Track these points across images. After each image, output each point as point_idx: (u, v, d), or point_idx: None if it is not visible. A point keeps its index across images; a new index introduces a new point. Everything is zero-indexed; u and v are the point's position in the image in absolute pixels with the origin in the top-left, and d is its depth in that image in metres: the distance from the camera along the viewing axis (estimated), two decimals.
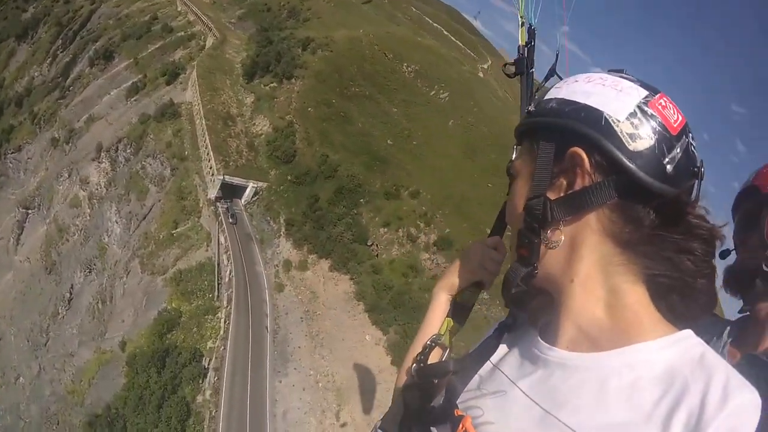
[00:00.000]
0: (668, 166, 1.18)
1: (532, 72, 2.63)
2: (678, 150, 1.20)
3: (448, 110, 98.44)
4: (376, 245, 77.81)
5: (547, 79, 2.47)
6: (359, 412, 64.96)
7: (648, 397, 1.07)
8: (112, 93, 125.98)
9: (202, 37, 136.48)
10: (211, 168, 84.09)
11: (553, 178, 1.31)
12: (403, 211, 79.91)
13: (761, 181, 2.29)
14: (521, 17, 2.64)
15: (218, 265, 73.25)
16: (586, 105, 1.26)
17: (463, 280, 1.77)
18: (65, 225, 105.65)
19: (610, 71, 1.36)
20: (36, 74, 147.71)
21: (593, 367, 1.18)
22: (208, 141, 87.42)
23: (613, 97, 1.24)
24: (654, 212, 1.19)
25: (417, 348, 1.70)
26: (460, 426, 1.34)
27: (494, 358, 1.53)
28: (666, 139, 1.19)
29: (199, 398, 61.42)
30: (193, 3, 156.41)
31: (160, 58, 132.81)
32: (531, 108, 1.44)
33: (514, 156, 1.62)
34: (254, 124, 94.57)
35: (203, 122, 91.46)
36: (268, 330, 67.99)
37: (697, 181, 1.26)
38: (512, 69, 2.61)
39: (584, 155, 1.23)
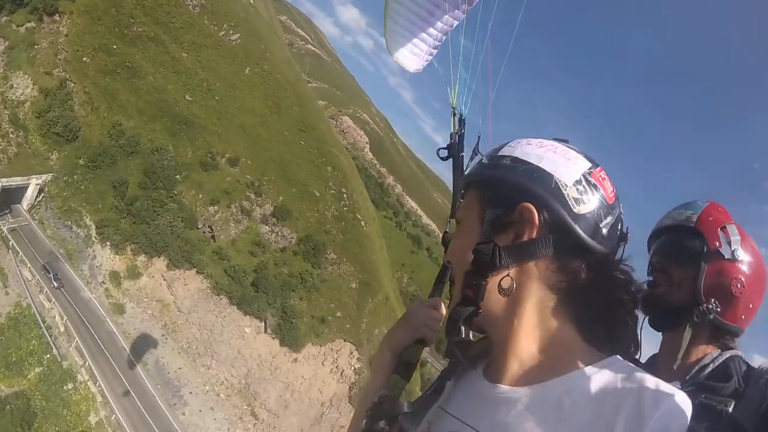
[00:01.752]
0: (603, 230, 1.51)
1: (462, 156, 3.32)
2: (611, 217, 1.54)
3: (241, 56, 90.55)
4: (209, 227, 74.92)
5: (471, 158, 3.24)
6: (270, 400, 68.33)
7: (588, 415, 1.28)
8: None
9: None
10: None
11: (502, 227, 1.56)
12: (227, 183, 76.76)
13: (706, 229, 2.63)
14: (453, 107, 3.24)
15: (37, 310, 60.46)
16: (538, 167, 1.55)
17: (405, 338, 2.05)
18: None
19: (556, 139, 1.68)
20: None
21: (537, 398, 1.41)
22: None
23: (562, 164, 1.55)
24: (587, 267, 1.51)
25: (365, 403, 1.97)
26: None
27: (441, 402, 1.79)
28: (604, 207, 1.52)
29: None
30: None
31: None
32: (485, 161, 1.71)
33: (459, 201, 2.09)
34: (11, 86, 74.32)
35: None
36: (137, 366, 62.18)
37: (623, 243, 1.59)
38: (445, 153, 3.33)
39: (534, 211, 1.50)
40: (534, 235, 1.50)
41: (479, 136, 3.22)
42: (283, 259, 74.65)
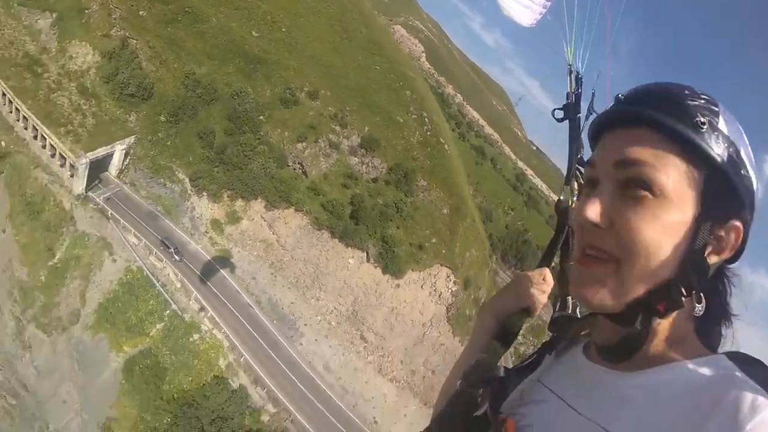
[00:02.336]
0: None
1: (579, 117, 3.02)
2: None
3: None
4: (300, 164, 74.00)
5: (587, 117, 2.93)
6: (377, 324, 70.60)
7: (683, 407, 1.26)
8: None
9: None
10: (56, 150, 65.18)
11: (708, 238, 1.41)
12: (310, 117, 74.73)
13: None
14: (569, 65, 3.00)
15: (149, 271, 61.84)
16: (751, 179, 1.43)
17: (510, 305, 2.10)
18: None
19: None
20: None
21: (636, 383, 1.41)
22: (26, 111, 66.33)
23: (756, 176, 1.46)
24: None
25: (461, 364, 2.06)
26: (504, 429, 1.71)
27: (538, 374, 1.84)
28: None
29: (265, 418, 57.97)
30: None
31: None
32: (700, 116, 1.40)
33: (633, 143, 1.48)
34: (70, 57, 72.39)
35: (3, 85, 68.04)
36: (252, 306, 64.84)
37: None
38: (561, 114, 3.08)
39: (741, 234, 1.42)
40: (726, 255, 1.47)
41: (593, 93, 3.10)
42: (376, 190, 73.31)
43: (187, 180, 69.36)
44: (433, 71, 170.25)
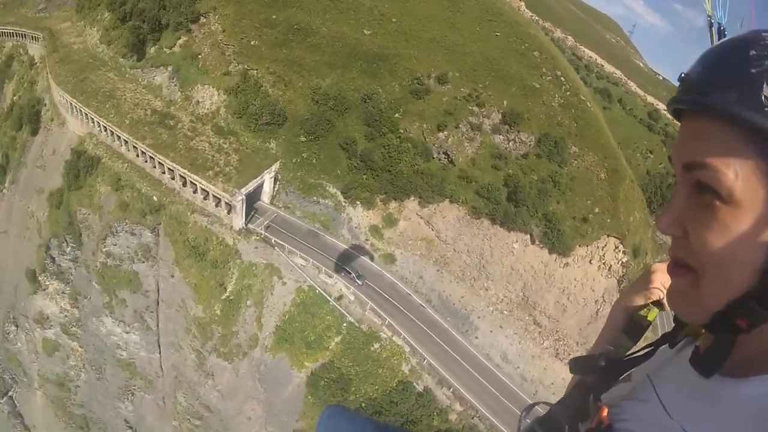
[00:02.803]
0: None
1: None
2: None
3: None
4: (445, 153, 71.02)
5: None
6: (549, 307, 67.72)
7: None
8: None
9: (20, 50, 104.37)
10: (209, 193, 65.17)
11: None
12: (445, 103, 71.50)
13: None
14: (709, 16, 2.46)
15: (321, 289, 62.18)
16: None
17: (640, 298, 2.06)
18: (61, 377, 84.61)
19: None
20: None
21: (727, 392, 1.35)
22: (170, 164, 66.71)
23: None
24: None
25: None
26: (599, 413, 1.79)
27: (648, 367, 1.83)
28: None
29: (452, 417, 58.17)
30: None
31: None
32: None
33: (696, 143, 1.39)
34: (197, 102, 72.62)
35: (141, 146, 69.24)
36: (424, 306, 64.06)
37: None
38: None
39: None
40: None
41: None
42: (528, 166, 68.86)
43: (338, 193, 67.76)
44: (537, 18, 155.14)
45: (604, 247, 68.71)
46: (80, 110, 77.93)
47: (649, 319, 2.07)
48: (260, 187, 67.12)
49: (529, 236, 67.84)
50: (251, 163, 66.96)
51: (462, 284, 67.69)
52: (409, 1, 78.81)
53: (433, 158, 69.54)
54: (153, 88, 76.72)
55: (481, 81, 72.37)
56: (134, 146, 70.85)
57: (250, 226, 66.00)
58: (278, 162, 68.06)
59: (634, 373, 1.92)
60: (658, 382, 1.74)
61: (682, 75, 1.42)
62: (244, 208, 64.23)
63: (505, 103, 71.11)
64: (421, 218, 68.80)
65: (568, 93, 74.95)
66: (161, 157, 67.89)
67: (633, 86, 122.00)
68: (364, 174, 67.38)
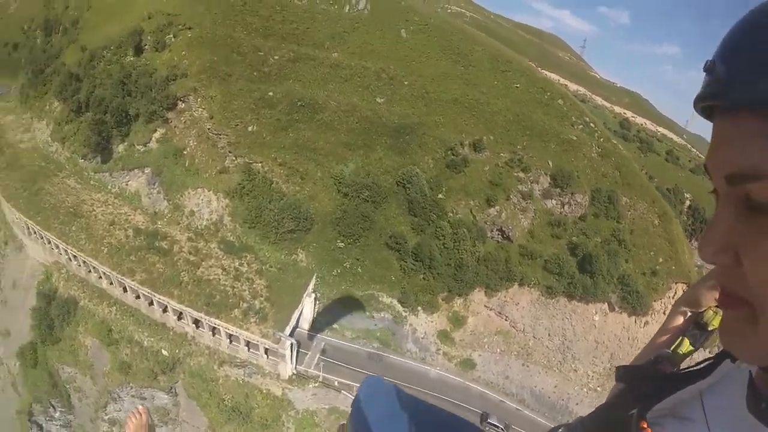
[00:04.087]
0: None
1: None
2: None
3: (382, 21, 57.63)
4: (499, 230, 49.40)
5: None
6: None
7: None
8: None
9: None
10: (240, 337, 39.71)
11: None
12: (487, 173, 49.47)
13: None
14: None
15: None
16: None
17: (706, 299, 1.43)
18: None
19: None
20: None
21: None
22: (177, 306, 40.50)
23: None
24: None
25: (642, 357, 1.51)
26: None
27: (702, 384, 1.28)
28: None
29: None
30: None
31: None
32: None
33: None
34: (192, 213, 45.91)
35: (131, 284, 41.81)
36: (519, 408, 44.43)
37: None
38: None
39: None
40: None
41: None
42: (589, 228, 48.77)
43: (395, 302, 44.33)
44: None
45: (674, 296, 50.60)
46: (40, 234, 49.57)
47: (714, 323, 1.39)
48: (298, 314, 42.35)
49: (607, 304, 48.55)
50: (284, 286, 41.87)
51: (551, 372, 47.80)
52: (415, 60, 55.21)
53: (490, 238, 47.69)
54: (128, 197, 49.21)
55: (518, 141, 50.75)
56: (120, 281, 43.97)
57: (299, 367, 41.47)
58: (314, 277, 43.54)
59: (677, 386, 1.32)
60: (710, 403, 1.20)
61: (709, 62, 0.87)
62: (292, 354, 39.82)
63: (550, 163, 50.10)
64: (491, 309, 47.07)
65: (602, 140, 54.90)
66: (165, 299, 41.64)
67: (599, 100, 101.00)
68: (422, 274, 44.39)
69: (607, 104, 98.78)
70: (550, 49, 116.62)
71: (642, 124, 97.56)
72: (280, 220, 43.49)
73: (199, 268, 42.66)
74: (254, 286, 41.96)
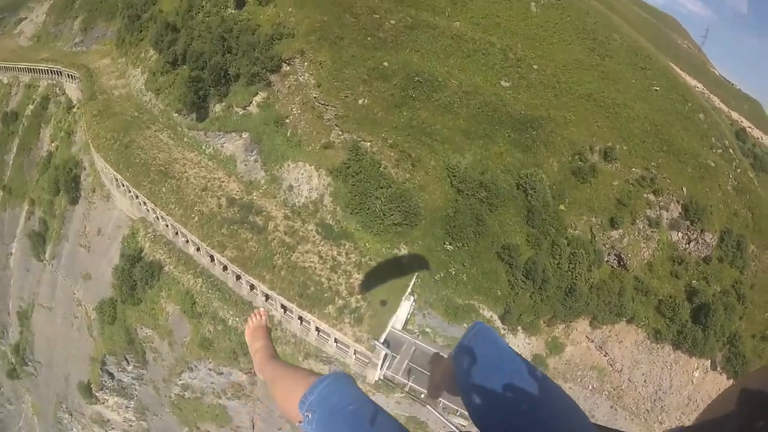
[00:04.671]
0: None
1: None
2: None
3: None
4: (616, 256, 40.10)
5: None
6: None
7: None
8: (13, 253, 68.42)
9: (57, 90, 66.41)
10: (326, 333, 32.97)
11: None
12: (616, 188, 39.00)
13: None
14: None
15: None
16: None
17: None
18: None
19: None
20: None
21: None
22: (271, 293, 33.68)
23: None
24: None
25: (745, 391, 1.26)
26: None
27: None
28: None
29: None
30: (14, 60, 76.63)
31: (29, 161, 67.38)
32: None
33: None
34: (290, 187, 37.73)
35: (221, 258, 35.09)
36: None
37: None
38: None
39: None
40: None
41: None
42: (711, 273, 38.36)
43: (495, 317, 35.93)
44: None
45: None
46: (128, 188, 43.29)
47: None
48: (391, 314, 34.83)
49: (710, 361, 39.90)
50: (381, 289, 34.28)
51: (636, 420, 38.94)
52: (546, 40, 44.25)
53: (606, 263, 38.30)
54: (223, 160, 41.79)
55: (653, 157, 39.94)
56: (208, 252, 37.34)
57: (387, 372, 34.29)
58: (414, 276, 35.62)
59: None
60: None
61: None
62: (382, 356, 32.57)
63: (684, 190, 39.38)
64: (592, 342, 38.31)
65: (738, 170, 43.37)
66: (254, 281, 34.81)
67: (716, 101, 77.63)
68: (530, 293, 35.70)
69: (725, 108, 77.45)
70: (669, 33, 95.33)
71: (759, 138, 78.39)
72: (386, 210, 35.27)
73: (294, 252, 35.28)
74: (351, 280, 34.39)
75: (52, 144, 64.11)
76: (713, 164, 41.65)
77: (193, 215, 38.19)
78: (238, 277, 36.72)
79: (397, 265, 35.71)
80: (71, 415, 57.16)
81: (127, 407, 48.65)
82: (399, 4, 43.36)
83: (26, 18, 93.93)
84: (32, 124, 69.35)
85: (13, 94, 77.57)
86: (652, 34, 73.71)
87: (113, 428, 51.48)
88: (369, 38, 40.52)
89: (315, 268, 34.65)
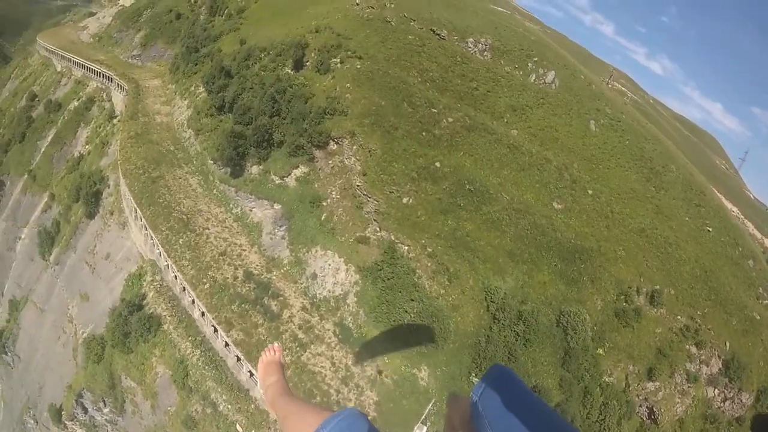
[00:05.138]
0: None
1: None
2: None
3: (569, 102, 41.69)
4: (649, 408, 34.71)
5: None
6: None
7: None
8: (22, 238, 63.07)
9: (104, 95, 62.51)
10: None
11: None
12: (658, 336, 33.97)
13: None
14: None
15: None
16: None
17: None
18: None
19: None
20: None
21: None
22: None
23: None
24: None
25: None
26: None
27: None
28: None
29: None
30: (72, 52, 72.37)
31: (59, 155, 62.68)
32: None
33: None
34: (314, 276, 31.86)
35: (224, 336, 29.18)
36: None
37: None
38: None
39: None
40: None
41: None
42: None
43: None
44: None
45: None
46: (146, 227, 38.08)
47: None
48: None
49: None
50: (396, 410, 28.42)
51: None
52: (602, 163, 39.52)
53: (636, 414, 32.73)
54: (249, 226, 36.53)
55: (699, 306, 34.77)
56: (213, 325, 31.87)
57: None
58: (431, 403, 29.84)
59: None
60: None
61: None
62: None
63: (727, 345, 34.14)
64: None
65: None
66: (256, 372, 29.29)
67: (751, 227, 64.86)
68: None
69: (758, 234, 67.01)
70: (708, 152, 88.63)
71: None
72: (416, 326, 29.84)
73: (305, 352, 29.69)
74: (362, 398, 28.69)
75: (86, 146, 59.34)
76: (758, 317, 36.43)
77: (205, 280, 32.79)
78: (239, 359, 31.15)
79: (414, 388, 30.04)
80: (36, 423, 50.70)
81: None
82: (459, 101, 38.83)
83: (94, 15, 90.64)
84: (72, 120, 64.73)
85: (62, 84, 73.40)
86: (693, 153, 68.90)
87: None
88: (424, 133, 35.78)
89: (325, 375, 29.01)
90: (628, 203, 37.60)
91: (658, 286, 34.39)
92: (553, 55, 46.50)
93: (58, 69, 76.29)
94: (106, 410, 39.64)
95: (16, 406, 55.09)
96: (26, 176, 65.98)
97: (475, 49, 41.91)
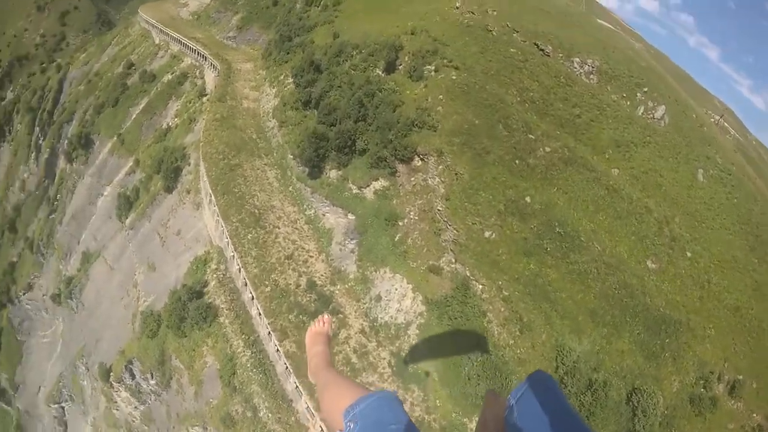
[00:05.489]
0: None
1: None
2: None
3: (682, 145, 35.45)
4: None
5: None
6: None
7: None
8: (104, 195, 63.78)
9: (197, 72, 61.79)
10: None
11: None
12: None
13: None
14: None
15: None
16: None
17: None
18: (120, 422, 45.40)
19: None
20: (25, 175, 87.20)
21: None
22: (314, 412, 24.16)
23: None
24: None
25: None
26: None
27: None
28: None
29: None
30: (171, 27, 72.93)
31: (149, 124, 62.75)
32: None
33: None
34: (378, 297, 28.33)
35: (277, 344, 26.72)
36: None
37: None
38: None
39: None
40: None
41: None
42: None
43: None
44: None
45: None
46: (217, 214, 36.35)
47: None
48: None
49: None
50: None
51: None
52: (706, 222, 33.32)
53: None
54: (320, 231, 33.83)
55: None
56: (268, 330, 29.51)
57: None
58: None
59: None
60: None
61: None
62: None
63: None
64: None
65: None
66: (303, 390, 26.60)
67: None
68: None
69: None
70: None
71: None
72: (473, 376, 25.97)
73: (356, 379, 26.68)
74: None
75: (175, 119, 59.14)
76: None
77: (267, 283, 30.40)
78: (287, 368, 28.64)
79: None
80: (88, 370, 51.69)
81: (136, 407, 41.95)
82: (559, 128, 33.82)
83: None
84: (164, 92, 64.94)
85: (158, 57, 74.05)
86: None
87: (118, 409, 45.14)
88: (517, 161, 31.26)
89: None
90: (727, 274, 31.43)
91: (741, 376, 28.44)
92: (665, 87, 40.09)
93: (156, 42, 77.12)
94: (152, 381, 38.86)
95: (72, 348, 56.63)
96: (115, 139, 67.11)
97: (581, 71, 36.48)
